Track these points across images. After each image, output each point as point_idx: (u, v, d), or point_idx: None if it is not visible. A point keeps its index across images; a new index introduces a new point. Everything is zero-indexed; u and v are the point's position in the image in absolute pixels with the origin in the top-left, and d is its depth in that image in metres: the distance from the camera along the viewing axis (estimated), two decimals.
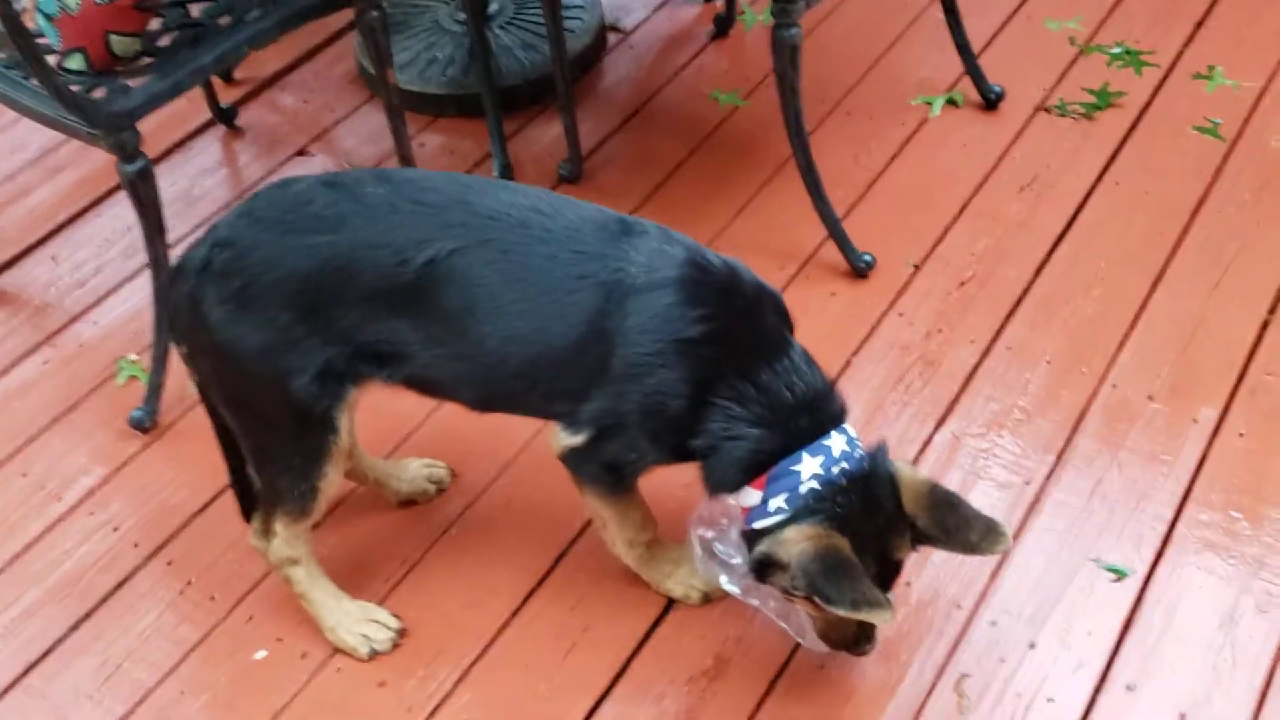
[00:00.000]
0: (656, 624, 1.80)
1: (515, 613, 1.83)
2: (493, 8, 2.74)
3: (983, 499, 1.91)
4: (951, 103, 2.59)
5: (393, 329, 1.59)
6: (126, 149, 1.91)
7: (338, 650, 1.79)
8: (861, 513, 1.57)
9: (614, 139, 2.59)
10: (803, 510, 1.56)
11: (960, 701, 1.70)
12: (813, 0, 2.08)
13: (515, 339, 1.58)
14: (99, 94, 1.92)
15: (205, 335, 1.60)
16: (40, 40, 1.90)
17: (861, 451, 1.60)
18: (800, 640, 1.72)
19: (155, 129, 2.57)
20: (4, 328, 2.30)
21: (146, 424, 2.08)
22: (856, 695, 1.71)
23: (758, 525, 1.60)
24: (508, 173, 2.50)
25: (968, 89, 2.59)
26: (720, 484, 1.62)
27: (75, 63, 1.94)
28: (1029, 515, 1.91)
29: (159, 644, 1.82)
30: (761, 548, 1.59)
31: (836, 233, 2.26)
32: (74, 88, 1.87)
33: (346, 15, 2.17)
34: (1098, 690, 1.71)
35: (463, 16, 2.64)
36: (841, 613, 1.53)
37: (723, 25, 2.79)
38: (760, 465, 1.58)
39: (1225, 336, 2.13)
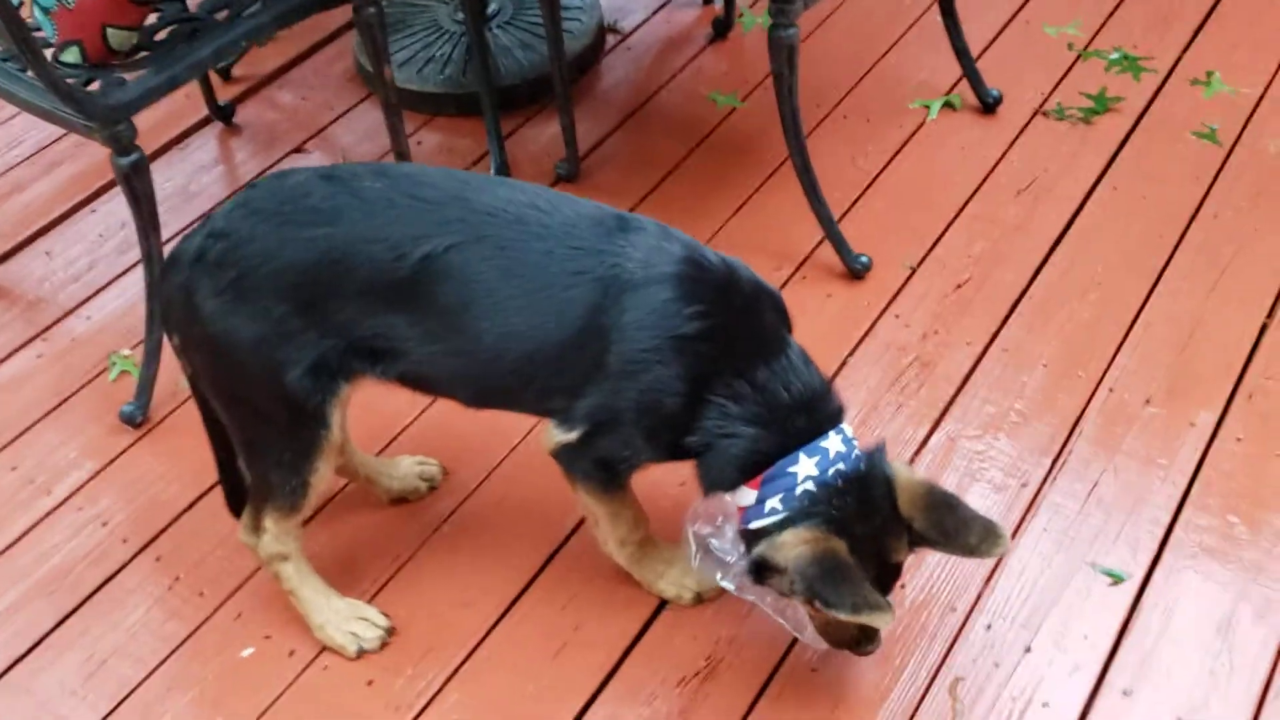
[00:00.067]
0: (648, 624, 1.79)
1: (505, 612, 1.82)
2: (492, 8, 2.74)
3: (978, 501, 1.90)
4: (949, 106, 2.59)
5: (388, 324, 1.58)
6: (121, 142, 1.90)
7: (326, 648, 1.77)
8: (858, 515, 1.56)
9: (611, 139, 2.59)
10: (799, 512, 1.55)
11: (954, 705, 1.69)
12: (810, 1, 2.08)
13: (512, 335, 1.57)
14: (94, 87, 1.91)
15: (198, 327, 1.59)
16: (37, 33, 1.90)
17: (859, 452, 1.59)
18: (799, 636, 1.71)
19: (152, 125, 2.58)
20: None
21: (137, 419, 2.07)
22: (849, 698, 1.70)
23: (754, 525, 1.59)
24: (505, 171, 2.50)
25: (966, 92, 2.59)
26: (716, 482, 1.61)
27: (71, 56, 1.94)
28: (1025, 518, 1.89)
29: (146, 640, 1.81)
30: (758, 551, 1.58)
31: (833, 234, 2.25)
32: (70, 80, 1.86)
33: (346, 13, 2.17)
34: (1094, 694, 1.69)
35: (462, 16, 2.64)
36: (842, 616, 1.52)
37: (721, 28, 2.79)
38: (756, 465, 1.57)
39: (1223, 340, 2.12)
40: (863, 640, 1.65)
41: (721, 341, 1.56)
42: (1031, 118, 2.56)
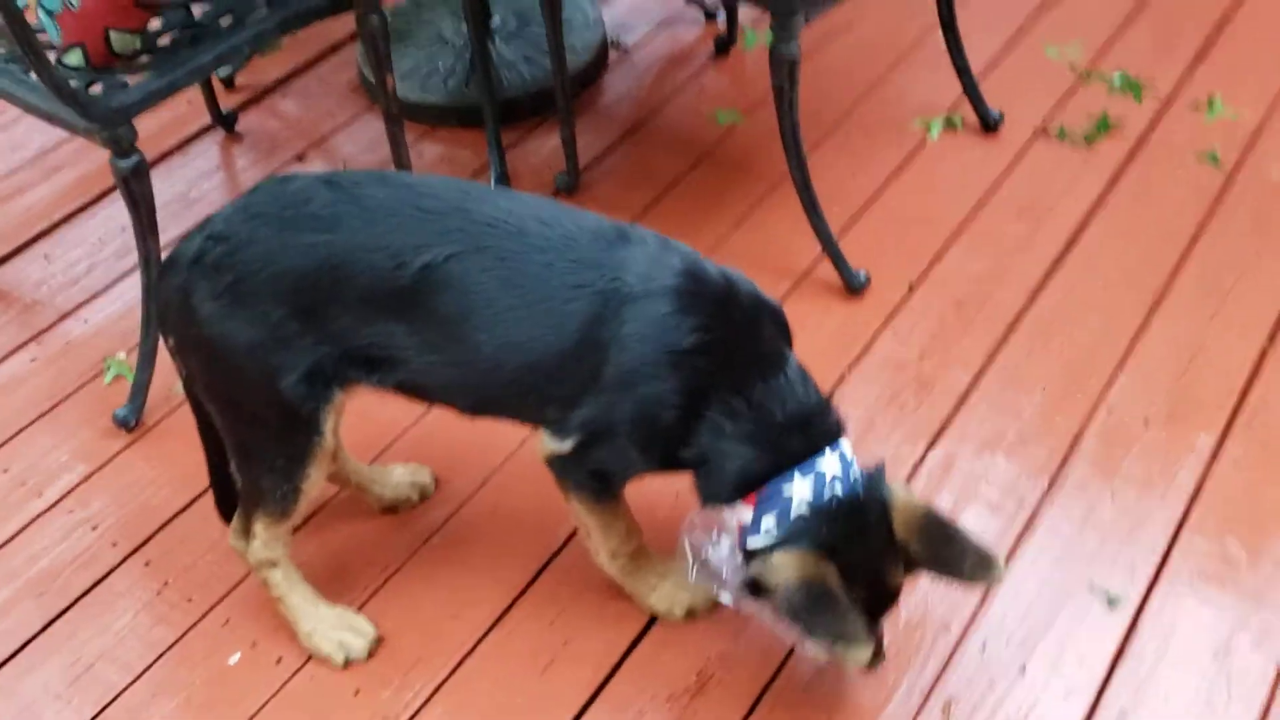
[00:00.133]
0: (638, 640, 1.77)
1: (494, 624, 1.80)
2: (495, 21, 2.75)
3: (975, 521, 1.89)
4: (951, 125, 2.59)
5: (386, 333, 1.57)
6: (121, 144, 1.90)
7: (313, 656, 1.76)
8: (852, 538, 1.55)
9: (612, 153, 2.59)
10: (792, 534, 1.54)
11: None
12: (811, 15, 2.08)
13: (510, 346, 1.56)
14: (96, 90, 1.92)
15: (195, 329, 1.59)
16: (41, 36, 1.91)
17: (857, 473, 1.58)
18: (800, 648, 1.69)
19: (155, 132, 2.58)
20: None
21: (131, 422, 2.07)
22: (841, 717, 1.68)
23: (750, 545, 1.58)
24: (504, 182, 2.50)
25: (967, 112, 2.59)
26: (712, 496, 1.60)
27: (74, 59, 1.94)
28: (1021, 539, 1.88)
29: (133, 644, 1.80)
30: (752, 570, 1.57)
31: (832, 249, 2.25)
32: (72, 83, 1.87)
33: (350, 24, 2.18)
34: (1089, 718, 1.67)
35: (465, 29, 2.65)
36: (819, 646, 1.51)
37: (723, 45, 2.80)
38: (750, 483, 1.56)
39: (1223, 364, 2.11)
40: None
41: (719, 356, 1.55)
42: (1033, 138, 2.56)
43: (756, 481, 1.56)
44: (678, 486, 1.68)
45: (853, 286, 2.25)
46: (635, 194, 2.48)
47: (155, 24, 1.98)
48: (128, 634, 1.81)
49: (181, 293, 1.58)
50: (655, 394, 1.54)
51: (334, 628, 1.75)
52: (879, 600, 1.58)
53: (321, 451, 1.63)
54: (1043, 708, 1.68)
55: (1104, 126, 2.57)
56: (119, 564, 1.90)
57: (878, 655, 1.62)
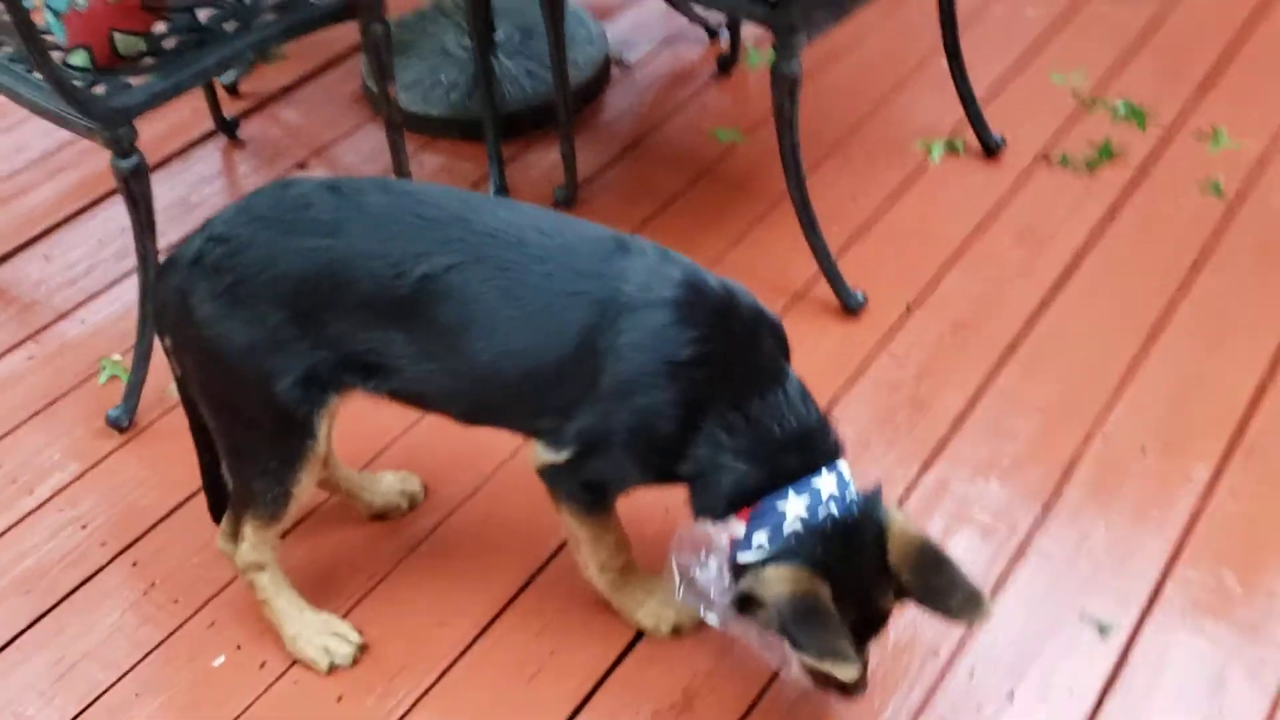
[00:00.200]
0: (624, 654, 1.76)
1: (480, 634, 1.80)
2: (499, 35, 2.76)
3: (967, 545, 1.88)
4: (952, 149, 2.60)
5: (384, 340, 1.57)
6: (122, 144, 1.91)
7: (297, 661, 1.75)
8: (845, 559, 1.53)
9: (612, 168, 2.60)
10: (785, 550, 1.53)
11: None
12: (813, 34, 2.09)
13: (508, 355, 1.56)
14: (100, 90, 1.93)
15: (192, 330, 1.59)
16: (48, 36, 1.92)
17: (853, 495, 1.57)
18: (784, 673, 1.68)
19: (157, 137, 2.60)
20: None
21: (123, 423, 2.07)
22: None
23: (741, 560, 1.57)
24: (504, 195, 2.51)
25: (969, 136, 2.59)
26: (705, 510, 1.60)
27: (79, 59, 1.95)
28: (1013, 564, 1.87)
29: (119, 644, 1.79)
30: (742, 585, 1.56)
31: (829, 269, 2.25)
32: (75, 83, 1.88)
33: (355, 36, 2.19)
34: None
35: (469, 43, 2.66)
36: (808, 661, 1.50)
37: (726, 64, 2.81)
38: (744, 499, 1.55)
39: (1222, 395, 2.10)
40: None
41: (717, 369, 1.54)
42: (1035, 164, 2.56)
43: (751, 497, 1.55)
44: (668, 502, 1.67)
45: (850, 306, 2.25)
46: (634, 209, 2.48)
47: (160, 27, 1.99)
48: (114, 633, 1.81)
49: (180, 293, 1.59)
50: (652, 405, 1.54)
51: (319, 633, 1.75)
52: (867, 623, 1.57)
53: (314, 456, 1.62)
54: None
55: (1106, 154, 2.57)
56: (107, 563, 1.90)
57: (861, 682, 1.61)
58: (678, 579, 1.71)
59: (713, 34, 2.90)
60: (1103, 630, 1.78)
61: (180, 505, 1.96)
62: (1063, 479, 1.98)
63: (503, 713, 1.71)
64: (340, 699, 1.72)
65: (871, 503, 1.57)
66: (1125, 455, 2.01)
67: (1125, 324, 2.23)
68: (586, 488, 1.64)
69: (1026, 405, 2.10)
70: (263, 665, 1.76)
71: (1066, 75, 2.77)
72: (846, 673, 1.48)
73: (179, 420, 1.78)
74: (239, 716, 1.71)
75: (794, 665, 1.65)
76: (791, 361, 1.64)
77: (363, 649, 1.76)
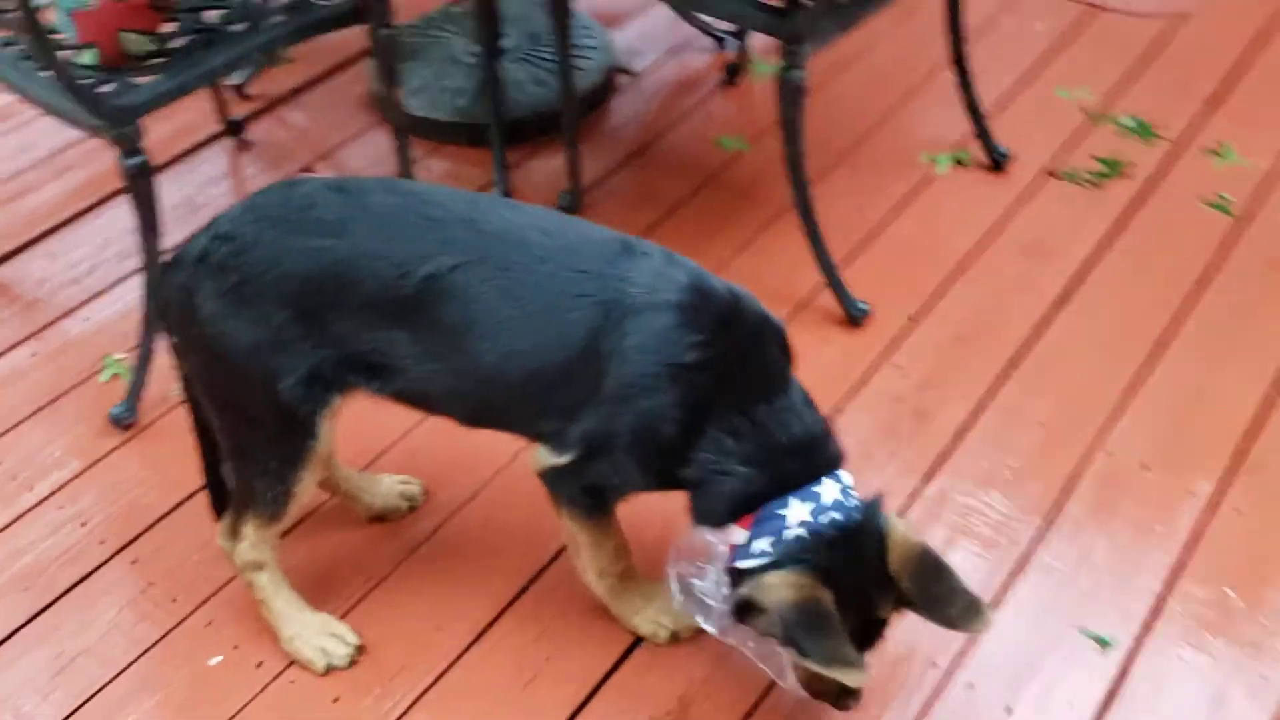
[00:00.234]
0: (621, 660, 1.76)
1: (478, 637, 1.79)
2: (506, 42, 2.77)
3: (967, 558, 1.87)
4: (958, 161, 2.60)
5: (388, 340, 1.57)
6: (128, 142, 1.92)
7: (294, 661, 1.75)
8: (846, 566, 1.53)
9: (616, 175, 2.60)
10: (787, 556, 1.52)
11: None
12: (820, 44, 2.09)
13: (512, 356, 1.56)
14: (107, 88, 1.93)
15: (196, 328, 1.59)
16: (58, 35, 1.93)
17: (855, 502, 1.57)
18: (780, 682, 1.67)
19: (165, 137, 2.60)
20: None
21: (126, 420, 2.07)
22: None
23: (741, 565, 1.56)
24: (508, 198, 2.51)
25: (975, 149, 2.59)
26: (705, 516, 1.59)
27: (88, 58, 1.96)
28: (1014, 578, 1.86)
29: (117, 641, 1.79)
30: (744, 590, 1.55)
31: (833, 279, 2.25)
32: (83, 81, 1.88)
33: (363, 41, 2.19)
34: None
35: (476, 49, 2.67)
36: (813, 667, 1.49)
37: (733, 73, 2.82)
38: (747, 505, 1.55)
39: (1226, 412, 2.09)
40: (843, 694, 1.61)
41: (721, 373, 1.54)
42: (1040, 178, 2.56)
43: (753, 503, 1.54)
44: (667, 509, 1.67)
45: (853, 316, 2.24)
46: (638, 215, 2.48)
47: (169, 27, 1.99)
48: (111, 630, 1.81)
49: (185, 291, 1.59)
50: (655, 407, 1.53)
51: (317, 634, 1.74)
52: (866, 632, 1.56)
53: (316, 456, 1.62)
54: None
55: (1113, 169, 2.57)
56: (106, 561, 1.90)
57: (855, 693, 1.60)
58: (676, 586, 1.71)
59: (720, 43, 2.91)
60: (1103, 645, 1.77)
61: (180, 504, 1.96)
62: (1064, 493, 1.97)
63: (500, 716, 1.70)
64: (336, 700, 1.72)
65: (872, 510, 1.56)
66: (1128, 470, 2.01)
67: (1129, 339, 2.23)
68: (588, 492, 1.63)
69: (1029, 419, 2.09)
70: (259, 665, 1.76)
71: (1073, 90, 2.77)
72: (854, 679, 1.47)
73: (180, 419, 1.79)
74: (235, 716, 1.71)
75: (789, 675, 1.65)
76: (795, 370, 1.64)
77: (360, 650, 1.76)
